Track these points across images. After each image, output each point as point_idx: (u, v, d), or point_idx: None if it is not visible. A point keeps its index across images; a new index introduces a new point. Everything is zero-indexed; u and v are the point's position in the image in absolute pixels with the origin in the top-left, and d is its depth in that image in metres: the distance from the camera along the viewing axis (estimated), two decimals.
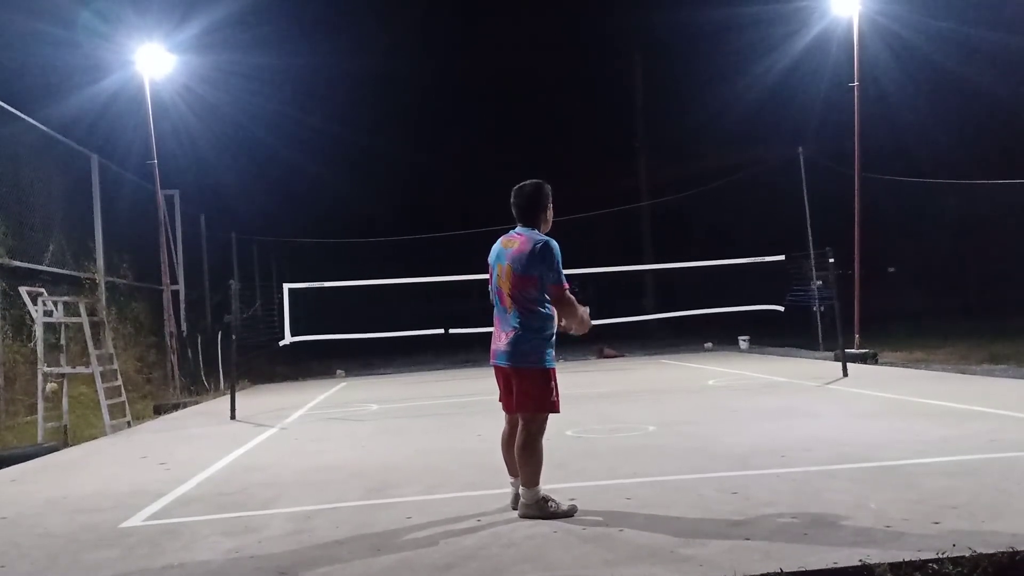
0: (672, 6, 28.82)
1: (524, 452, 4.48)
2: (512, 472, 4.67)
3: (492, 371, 4.74)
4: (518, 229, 4.65)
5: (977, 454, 5.37)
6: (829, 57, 17.46)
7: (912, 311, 24.58)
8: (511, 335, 4.51)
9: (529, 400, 4.49)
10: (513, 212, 4.70)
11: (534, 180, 4.71)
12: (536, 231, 4.61)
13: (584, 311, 4.59)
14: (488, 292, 4.77)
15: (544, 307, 4.52)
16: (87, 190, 12.79)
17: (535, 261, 4.45)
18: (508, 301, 4.54)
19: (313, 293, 14.87)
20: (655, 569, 3.48)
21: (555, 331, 4.60)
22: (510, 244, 4.59)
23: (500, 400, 4.73)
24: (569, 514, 4.40)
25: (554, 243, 4.53)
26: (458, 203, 30.57)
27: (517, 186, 4.71)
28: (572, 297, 4.55)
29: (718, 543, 3.74)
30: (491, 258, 4.71)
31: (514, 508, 4.59)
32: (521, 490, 4.49)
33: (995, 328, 16.12)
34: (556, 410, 4.53)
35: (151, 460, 7.46)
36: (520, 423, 4.55)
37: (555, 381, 4.53)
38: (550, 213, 4.72)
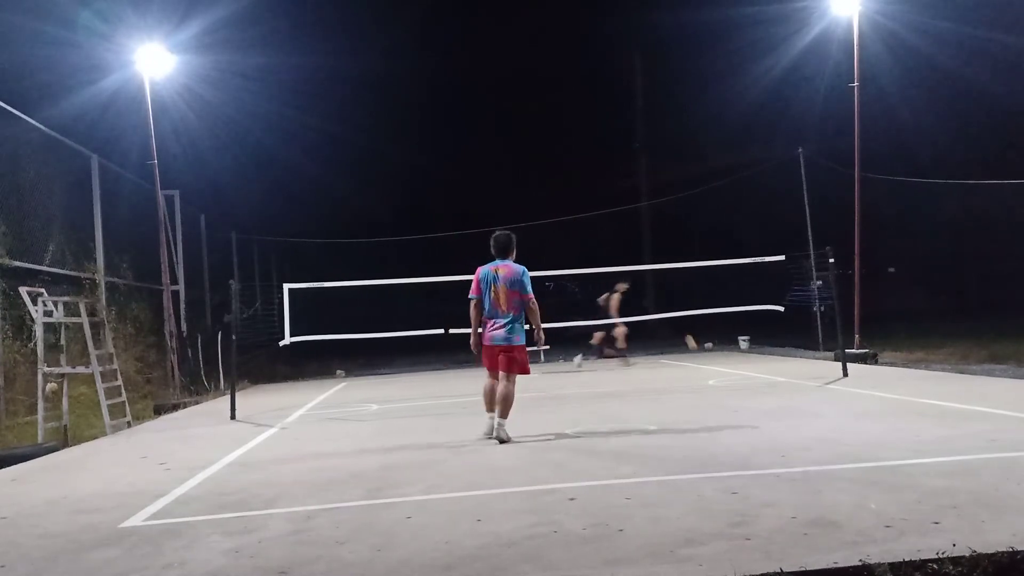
0: (672, 6, 28.88)
1: (511, 397, 7.21)
2: (489, 409, 7.28)
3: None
4: (500, 261, 7.33)
5: (977, 454, 5.37)
6: (829, 57, 17.46)
7: (912, 311, 24.59)
8: (506, 325, 7.21)
9: (515, 365, 7.23)
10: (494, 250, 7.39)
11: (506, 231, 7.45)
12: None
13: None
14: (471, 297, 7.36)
15: (522, 309, 7.31)
16: (87, 190, 12.77)
17: (519, 281, 7.25)
18: (504, 306, 7.23)
19: (313, 293, 14.85)
20: (655, 569, 3.48)
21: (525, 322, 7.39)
22: (499, 270, 7.25)
23: (489, 367, 7.33)
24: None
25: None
26: (458, 203, 30.61)
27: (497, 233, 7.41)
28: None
29: (718, 543, 3.74)
30: (484, 277, 7.28)
31: (488, 436, 7.22)
32: (498, 421, 7.13)
33: (995, 328, 16.10)
34: (528, 372, 7.40)
35: (151, 460, 7.46)
36: (506, 378, 7.21)
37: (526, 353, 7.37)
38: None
